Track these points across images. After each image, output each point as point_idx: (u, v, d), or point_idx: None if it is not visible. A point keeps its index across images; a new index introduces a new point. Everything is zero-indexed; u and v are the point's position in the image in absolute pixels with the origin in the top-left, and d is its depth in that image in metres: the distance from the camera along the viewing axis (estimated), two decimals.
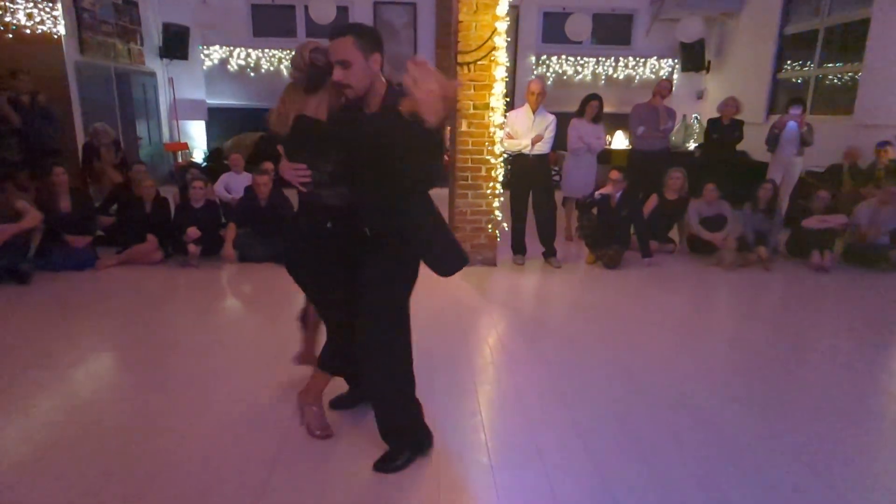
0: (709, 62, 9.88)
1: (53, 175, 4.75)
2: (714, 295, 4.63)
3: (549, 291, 4.57)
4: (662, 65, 10.02)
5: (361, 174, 1.96)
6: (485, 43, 4.52)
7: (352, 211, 2.03)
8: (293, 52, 2.10)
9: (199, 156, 9.75)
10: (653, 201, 5.55)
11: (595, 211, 5.20)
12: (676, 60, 9.97)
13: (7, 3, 6.14)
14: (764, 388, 2.93)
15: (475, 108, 4.66)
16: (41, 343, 3.30)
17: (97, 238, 5.06)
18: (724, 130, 7.05)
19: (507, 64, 4.70)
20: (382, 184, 1.92)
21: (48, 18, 6.78)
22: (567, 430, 2.49)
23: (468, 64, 4.57)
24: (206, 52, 9.60)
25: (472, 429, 2.48)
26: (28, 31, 6.44)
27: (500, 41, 4.54)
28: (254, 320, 3.88)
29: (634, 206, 5.21)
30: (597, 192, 5.17)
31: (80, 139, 7.07)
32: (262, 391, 2.75)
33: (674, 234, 5.80)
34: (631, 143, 6.31)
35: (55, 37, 6.92)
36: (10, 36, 6.19)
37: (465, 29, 4.51)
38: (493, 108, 4.67)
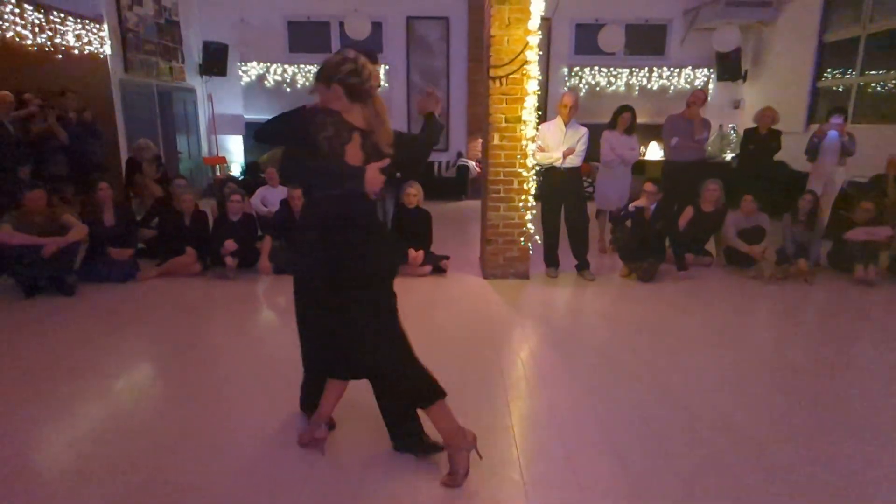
0: (745, 71, 9.68)
1: (98, 190, 4.94)
2: (753, 309, 4.48)
3: (583, 305, 4.50)
4: (698, 74, 9.86)
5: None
6: (517, 57, 4.52)
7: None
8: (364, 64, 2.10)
9: (236, 170, 10.01)
10: (688, 213, 5.43)
11: (629, 223, 5.12)
12: (712, 70, 9.79)
13: (57, 26, 6.45)
14: (806, 407, 2.81)
15: (507, 121, 4.66)
16: (85, 353, 3.41)
17: (139, 250, 5.22)
18: (761, 140, 6.87)
19: (539, 77, 4.70)
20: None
21: (95, 39, 7.10)
22: (601, 448, 2.43)
23: (500, 78, 4.57)
24: (243, 68, 9.89)
25: (504, 444, 2.45)
26: (76, 52, 6.76)
27: (532, 55, 4.53)
28: (288, 331, 3.92)
29: (669, 219, 5.11)
30: (631, 205, 5.09)
31: (124, 154, 7.35)
32: (297, 402, 2.78)
33: (710, 246, 5.66)
34: (665, 154, 6.21)
35: (101, 56, 7.24)
36: (60, 56, 6.50)
37: (497, 43, 4.53)
38: (524, 122, 4.66)
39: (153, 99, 8.40)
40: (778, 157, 7.14)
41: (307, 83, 9.91)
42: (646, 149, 9.40)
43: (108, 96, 7.36)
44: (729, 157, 9.34)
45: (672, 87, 9.89)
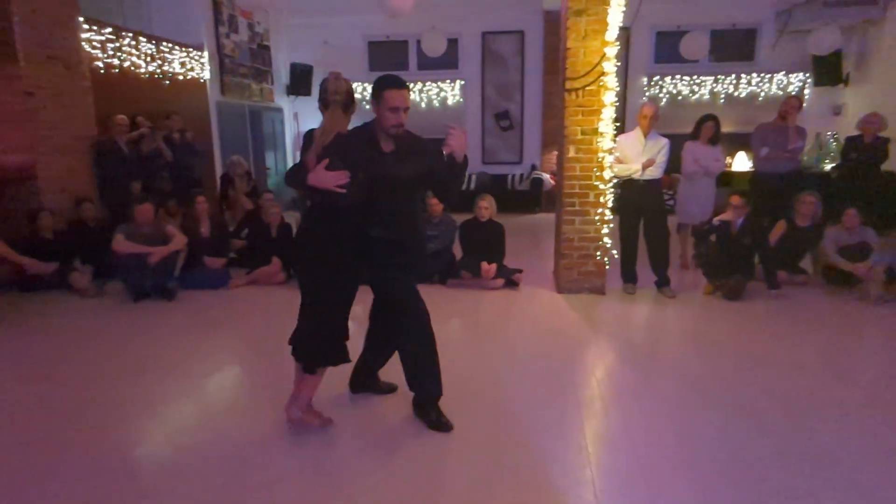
0: (847, 74, 8.94)
1: (196, 203, 5.36)
2: (857, 332, 4.10)
3: (663, 322, 4.31)
4: (791, 80, 9.24)
5: (378, 193, 2.46)
6: (593, 68, 4.46)
7: (363, 216, 2.48)
8: (334, 80, 2.57)
9: None
10: (781, 228, 5.07)
11: (713, 238, 4.86)
12: (808, 74, 9.14)
13: (165, 55, 7.10)
14: None
15: (583, 133, 4.59)
16: (182, 353, 3.70)
17: (230, 260, 5.60)
18: (865, 149, 6.34)
19: (617, 88, 4.60)
20: (392, 201, 2.51)
21: (197, 65, 7.75)
22: (681, 472, 2.31)
23: (576, 90, 4.52)
24: None
25: (578, 465, 2.39)
26: (181, 77, 7.40)
27: (610, 66, 4.45)
28: (364, 338, 4.05)
29: (759, 234, 4.80)
30: (716, 219, 4.83)
31: (219, 170, 7.94)
32: (375, 401, 2.86)
33: (807, 264, 5.25)
34: (754, 165, 5.86)
35: (201, 81, 7.88)
36: (167, 82, 7.14)
37: (573, 55, 4.49)
38: (601, 133, 4.57)
39: (245, 119, 9.02)
40: (885, 166, 6.54)
41: None
42: (732, 160, 8.90)
43: (206, 117, 7.99)
44: (828, 167, 8.65)
45: (762, 94, 9.33)
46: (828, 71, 8.88)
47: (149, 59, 6.83)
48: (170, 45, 7.19)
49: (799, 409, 2.85)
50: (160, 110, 6.65)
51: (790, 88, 9.19)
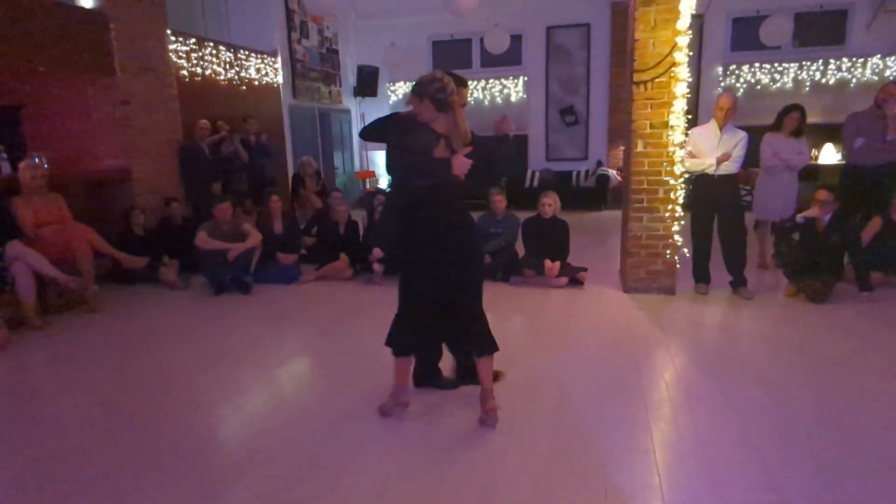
0: None
1: (270, 202, 5.64)
2: None
3: (738, 325, 4.09)
4: (889, 63, 8.47)
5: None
6: (663, 59, 4.30)
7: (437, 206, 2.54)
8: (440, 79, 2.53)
9: (384, 183, 10.75)
10: (875, 225, 4.68)
11: (797, 236, 4.55)
12: None
13: (243, 62, 7.50)
14: None
15: (652, 126, 4.44)
16: (258, 344, 3.91)
17: (301, 256, 5.85)
18: None
19: (689, 79, 4.40)
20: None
21: (271, 70, 8.12)
22: (758, 484, 2.19)
23: (645, 82, 4.37)
24: (392, 88, 10.61)
25: (644, 469, 2.32)
26: (256, 83, 7.79)
27: (681, 56, 4.27)
28: None
29: (850, 231, 4.45)
30: (799, 215, 4.53)
31: (291, 170, 8.29)
32: (436, 395, 2.91)
33: None
34: (845, 157, 5.42)
35: (275, 85, 8.25)
36: (244, 88, 7.54)
37: (641, 47, 4.34)
38: (672, 127, 4.39)
39: (315, 120, 9.37)
40: None
41: None
42: (818, 152, 8.28)
43: (280, 120, 8.37)
44: None
45: (854, 81, 8.62)
46: None
47: (228, 66, 7.25)
48: (246, 52, 7.58)
49: (886, 420, 2.63)
50: (238, 114, 7.03)
51: (887, 73, 8.43)
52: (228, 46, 7.27)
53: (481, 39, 9.40)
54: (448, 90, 2.45)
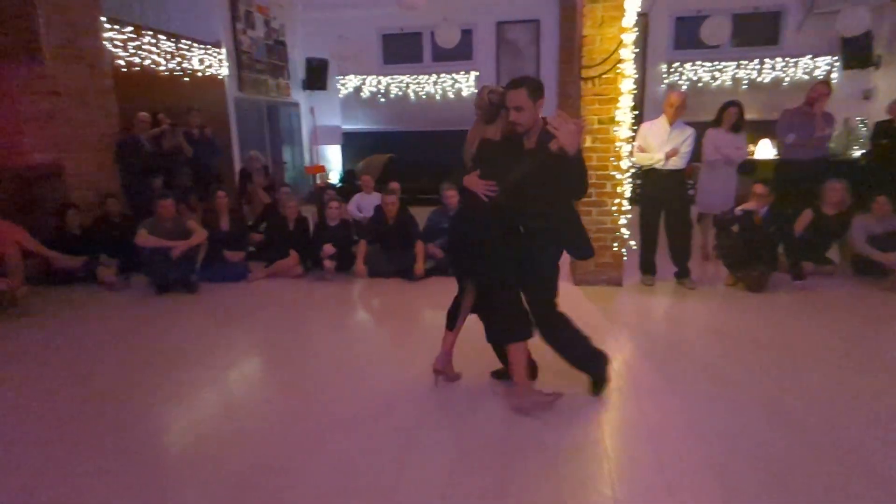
0: (878, 56, 8.64)
1: (216, 198, 5.44)
2: (886, 325, 3.99)
3: (682, 315, 4.25)
4: (818, 63, 8.96)
5: (523, 190, 2.58)
6: (610, 56, 4.38)
7: (514, 214, 2.66)
8: (477, 95, 2.69)
9: (334, 177, 10.57)
10: (807, 217, 4.95)
11: (736, 228, 4.75)
12: (836, 57, 8.85)
13: (185, 52, 7.19)
14: None
15: (600, 122, 4.53)
16: (204, 344, 3.77)
17: (249, 253, 5.68)
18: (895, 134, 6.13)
19: (635, 75, 4.51)
20: (537, 197, 2.60)
21: (215, 62, 7.82)
22: (702, 468, 2.28)
23: (592, 78, 4.46)
24: (341, 81, 10.42)
25: (594, 458, 2.37)
26: (199, 74, 7.48)
27: (627, 53, 4.37)
28: (383, 332, 4.09)
29: (784, 223, 4.68)
30: (738, 208, 4.73)
31: (237, 165, 8.02)
32: (390, 394, 2.88)
33: (834, 254, 5.12)
34: (779, 152, 5.71)
35: (220, 77, 7.95)
36: (186, 79, 7.23)
37: (589, 43, 4.42)
38: (618, 122, 4.50)
39: (262, 114, 9.09)
40: None
41: (400, 93, 10.25)
42: (755, 147, 8.69)
43: (225, 113, 8.07)
44: (857, 153, 8.40)
45: (787, 79, 9.07)
46: (857, 53, 8.58)
47: (168, 56, 6.92)
48: (189, 42, 7.27)
49: (822, 402, 2.79)
50: (180, 107, 6.74)
51: (817, 72, 8.92)
52: (169, 35, 6.94)
53: (432, 33, 9.35)
54: (483, 102, 2.64)
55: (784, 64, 9.05)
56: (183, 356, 3.56)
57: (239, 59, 8.35)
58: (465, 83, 10.06)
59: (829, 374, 3.13)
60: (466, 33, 9.59)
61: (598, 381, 2.92)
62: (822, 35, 8.70)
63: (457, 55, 9.70)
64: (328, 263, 5.19)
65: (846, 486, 2.15)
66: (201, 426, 2.70)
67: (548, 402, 2.76)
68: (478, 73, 10.00)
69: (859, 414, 2.68)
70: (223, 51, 7.97)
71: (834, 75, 8.88)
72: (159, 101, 6.62)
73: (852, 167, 7.39)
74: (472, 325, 2.95)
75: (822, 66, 8.95)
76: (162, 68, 6.82)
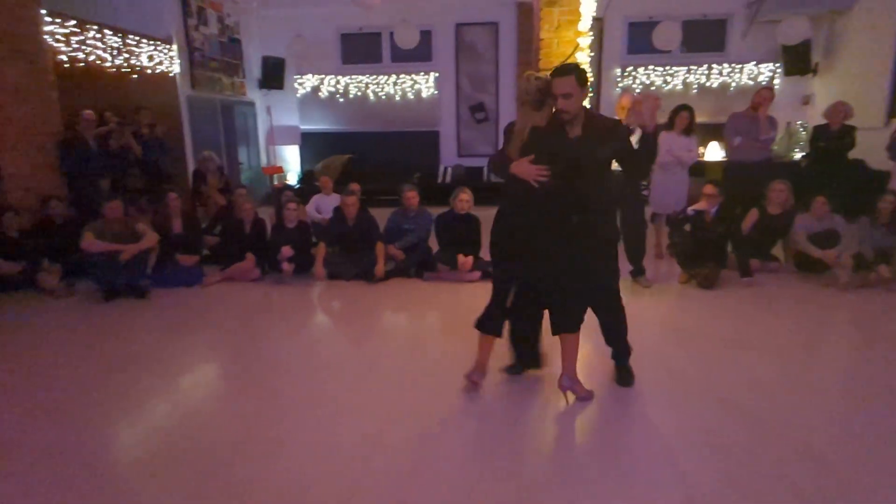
0: (816, 64, 9.13)
1: (168, 199, 5.25)
2: (827, 319, 4.21)
3: (638, 312, 4.33)
4: (762, 70, 9.39)
5: (572, 178, 2.59)
6: (567, 59, 4.47)
7: (562, 203, 2.62)
8: (525, 81, 2.64)
9: (293, 178, 10.38)
10: (753, 216, 5.17)
11: (688, 227, 4.93)
12: (778, 64, 9.31)
13: (132, 48, 6.91)
14: (888, 424, 2.61)
15: None
16: (156, 352, 3.62)
17: (203, 257, 5.50)
18: (832, 138, 6.48)
19: (591, 78, 4.61)
20: (584, 184, 2.62)
21: (165, 59, 7.56)
22: (660, 462, 2.34)
23: None
24: (299, 80, 10.25)
25: (553, 456, 2.41)
26: (149, 71, 7.21)
27: (583, 56, 4.47)
28: (343, 335, 4.03)
29: (732, 222, 4.88)
30: (690, 208, 4.90)
31: (191, 166, 7.77)
32: (349, 398, 2.84)
33: (778, 251, 5.36)
34: (727, 154, 5.95)
35: (171, 75, 7.69)
36: (135, 76, 6.96)
37: (546, 46, 4.50)
38: None
39: (217, 113, 8.84)
40: (855, 154, 6.70)
41: (359, 93, 10.16)
42: (704, 150, 9.03)
43: (177, 112, 7.80)
44: (798, 156, 8.84)
45: (734, 84, 9.47)
46: (797, 61, 9.05)
47: (115, 52, 6.64)
48: (137, 37, 7.00)
49: (772, 393, 2.92)
50: (128, 105, 6.47)
51: (760, 78, 9.35)
52: (115, 30, 6.67)
53: (391, 34, 9.31)
54: (530, 88, 2.59)
55: (730, 70, 9.44)
56: (133, 365, 3.41)
57: (191, 57, 8.09)
58: (425, 84, 10.06)
59: (772, 366, 3.27)
60: (426, 34, 9.59)
61: (630, 372, 3.05)
62: (764, 43, 9.13)
63: (416, 56, 9.69)
64: (286, 266, 5.09)
65: (792, 474, 2.25)
66: (152, 439, 2.59)
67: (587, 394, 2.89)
68: (437, 75, 10.02)
69: (800, 403, 2.81)
70: (174, 47, 7.71)
71: (776, 81, 9.33)
72: (106, 98, 6.35)
73: (794, 169, 7.77)
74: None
75: (766, 72, 9.39)
76: (108, 64, 6.54)
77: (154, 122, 6.51)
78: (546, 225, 2.63)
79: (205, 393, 3.10)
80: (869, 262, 4.77)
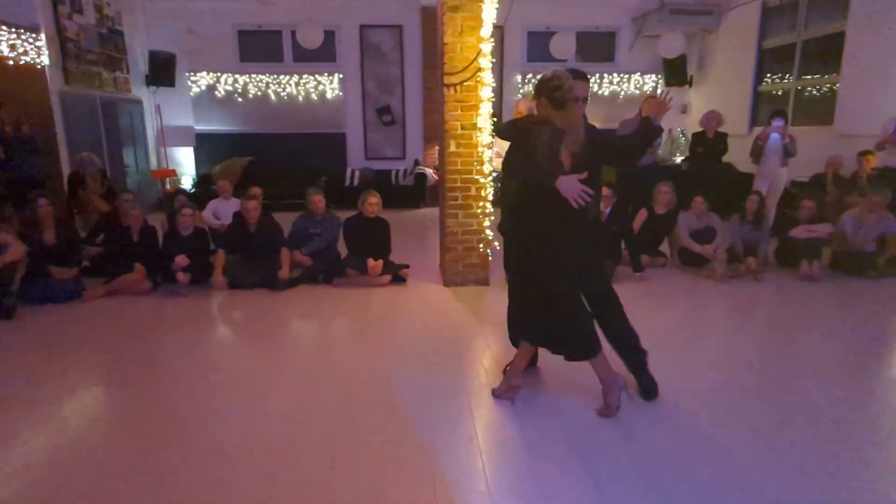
0: (691, 76, 10.06)
1: (37, 206, 4.70)
2: (706, 307, 4.63)
3: None
4: (646, 80, 10.18)
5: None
6: (470, 64, 4.56)
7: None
8: (567, 79, 2.56)
9: (187, 182, 9.71)
10: (642, 216, 5.57)
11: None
12: (660, 76, 10.13)
13: None
14: (760, 401, 2.91)
15: (463, 128, 4.68)
16: (26, 380, 3.21)
17: (83, 269, 4.99)
18: (708, 143, 7.15)
19: (494, 84, 4.74)
20: (593, 184, 2.63)
21: (31, 49, 6.76)
22: (569, 454, 2.44)
23: (454, 85, 4.59)
24: (193, 78, 9.62)
25: (468, 455, 2.43)
26: (11, 62, 6.42)
27: (486, 62, 4.58)
28: (246, 348, 3.82)
29: (624, 221, 5.23)
30: None
31: (66, 169, 7.02)
32: (255, 418, 2.69)
33: (665, 247, 5.82)
34: None
35: (38, 67, 6.90)
36: None
37: (450, 51, 4.55)
38: (480, 128, 4.69)
39: (97, 111, 8.05)
40: (724, 159, 7.44)
41: (259, 93, 9.74)
42: None
43: (47, 108, 7.00)
44: (679, 160, 9.67)
45: (623, 93, 10.18)
46: (675, 73, 9.93)
47: None
48: None
49: (663, 382, 3.14)
50: None
51: (645, 88, 10.13)
52: None
53: (293, 32, 9.01)
54: (565, 88, 2.51)
55: (619, 79, 10.14)
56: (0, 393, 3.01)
57: (63, 48, 7.31)
58: (329, 85, 9.84)
59: (661, 353, 3.52)
60: (329, 35, 9.39)
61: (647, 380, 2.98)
62: (648, 56, 9.91)
63: (320, 56, 9.45)
64: (181, 276, 4.74)
65: (684, 454, 2.44)
66: (21, 477, 2.29)
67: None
68: (342, 76, 9.84)
69: (686, 386, 3.06)
70: (42, 37, 6.92)
71: (658, 91, 10.13)
72: None
73: (676, 172, 8.49)
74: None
75: (649, 82, 10.19)
76: None
77: (19, 120, 5.81)
78: (567, 226, 2.65)
79: (84, 423, 2.78)
80: (739, 255, 5.32)
